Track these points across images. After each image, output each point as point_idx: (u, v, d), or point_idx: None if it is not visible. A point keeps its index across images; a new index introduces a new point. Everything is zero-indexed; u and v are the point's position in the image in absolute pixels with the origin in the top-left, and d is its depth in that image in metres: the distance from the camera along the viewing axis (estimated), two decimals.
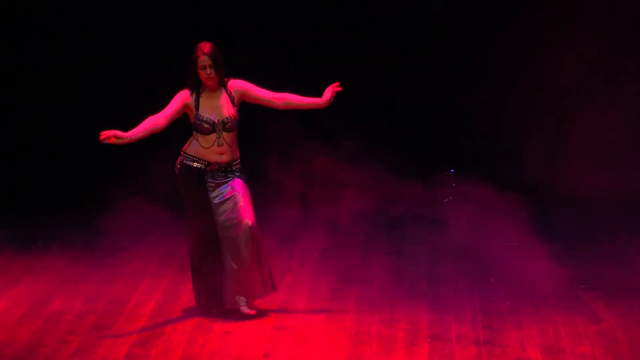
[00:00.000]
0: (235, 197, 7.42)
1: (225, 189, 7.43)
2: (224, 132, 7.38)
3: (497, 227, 9.61)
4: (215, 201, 7.43)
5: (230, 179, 7.45)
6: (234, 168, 7.47)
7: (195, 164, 7.40)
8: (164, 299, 8.06)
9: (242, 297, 7.51)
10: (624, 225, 9.61)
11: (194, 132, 7.41)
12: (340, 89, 7.45)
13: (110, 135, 7.14)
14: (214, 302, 7.54)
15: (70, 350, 7.14)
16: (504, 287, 8.22)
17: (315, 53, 10.45)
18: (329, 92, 7.44)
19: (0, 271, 8.68)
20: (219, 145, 7.38)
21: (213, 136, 7.37)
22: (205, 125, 7.34)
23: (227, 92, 7.42)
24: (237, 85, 7.44)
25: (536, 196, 9.94)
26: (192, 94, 7.37)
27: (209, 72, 7.28)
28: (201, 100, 7.36)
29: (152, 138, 9.83)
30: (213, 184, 7.43)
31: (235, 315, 7.57)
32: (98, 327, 7.51)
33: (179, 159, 7.46)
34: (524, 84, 10.37)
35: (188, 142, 7.45)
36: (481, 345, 7.16)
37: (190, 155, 7.42)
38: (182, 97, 7.37)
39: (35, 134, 10.63)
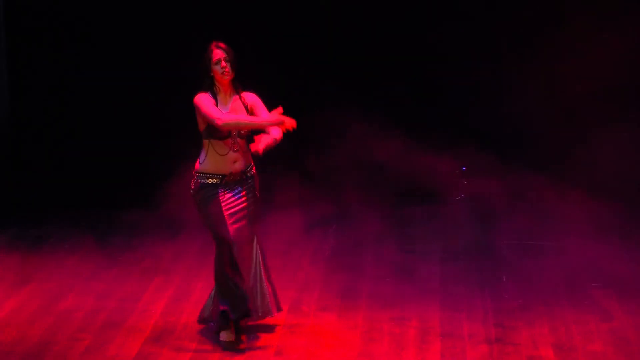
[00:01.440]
0: (245, 210, 7.22)
1: (236, 201, 7.21)
2: (238, 138, 7.17)
3: (509, 225, 9.60)
4: (226, 212, 7.18)
5: (242, 190, 7.23)
6: (248, 175, 7.27)
7: (210, 180, 7.18)
8: (175, 296, 8.07)
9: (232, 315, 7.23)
10: (636, 223, 9.59)
11: (207, 142, 7.16)
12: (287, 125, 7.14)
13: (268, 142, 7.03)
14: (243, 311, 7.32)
15: (82, 347, 7.15)
16: (516, 285, 8.21)
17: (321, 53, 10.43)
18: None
19: (12, 269, 8.70)
20: (234, 152, 7.15)
21: (229, 141, 7.14)
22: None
23: (240, 99, 7.21)
24: (250, 98, 7.23)
25: (548, 194, 9.93)
26: (213, 97, 7.13)
27: (223, 65, 7.08)
28: (219, 104, 7.15)
29: (167, 142, 9.91)
30: (225, 195, 7.19)
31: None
32: (109, 325, 7.52)
33: (193, 180, 7.24)
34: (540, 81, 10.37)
35: (198, 161, 7.23)
36: (493, 343, 7.15)
37: (203, 173, 7.20)
38: (212, 99, 7.11)
39: (47, 131, 10.64)
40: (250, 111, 7.22)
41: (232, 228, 7.15)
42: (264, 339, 7.26)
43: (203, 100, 7.10)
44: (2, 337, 7.32)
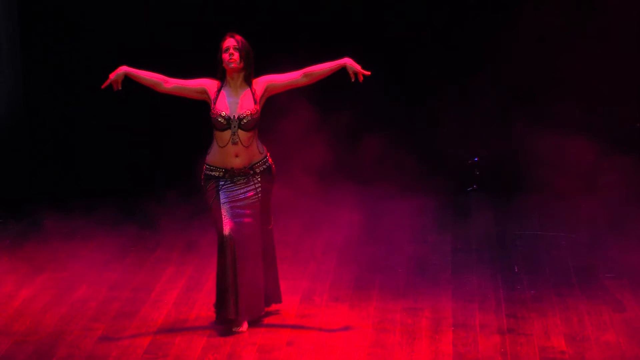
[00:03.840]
0: (247, 206, 7.19)
1: (238, 196, 7.18)
2: (239, 130, 7.13)
3: (521, 216, 9.58)
4: (225, 207, 7.15)
5: (247, 186, 7.19)
6: (256, 170, 7.23)
7: (214, 173, 7.20)
8: (187, 286, 8.08)
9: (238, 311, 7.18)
10: None
11: (213, 132, 7.20)
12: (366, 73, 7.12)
13: (111, 80, 7.10)
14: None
15: (95, 337, 7.17)
16: (528, 275, 8.20)
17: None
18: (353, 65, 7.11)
19: (26, 259, 8.73)
20: (233, 143, 7.12)
21: (228, 133, 7.12)
22: (220, 120, 7.11)
23: (251, 90, 7.19)
24: (262, 81, 7.20)
25: (560, 186, 9.91)
26: (217, 87, 7.16)
27: (231, 52, 7.06)
28: (221, 94, 7.16)
29: (188, 133, 9.87)
30: (227, 189, 7.17)
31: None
32: (122, 315, 7.54)
33: (203, 170, 7.27)
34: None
35: (208, 151, 7.26)
36: (505, 334, 7.14)
37: (208, 165, 7.22)
38: (204, 82, 7.18)
39: (60, 122, 10.65)
40: (260, 98, 7.18)
41: (228, 223, 7.13)
42: (276, 329, 7.26)
43: (198, 78, 7.18)
44: (16, 327, 7.35)
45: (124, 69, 7.14)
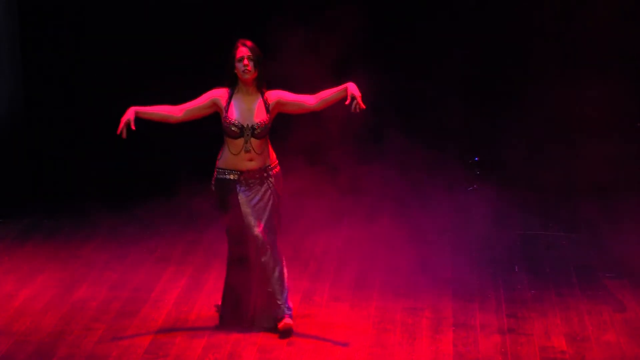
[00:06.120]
0: (264, 210, 7.21)
1: (254, 199, 7.19)
2: (252, 138, 7.15)
3: (521, 216, 9.58)
4: (244, 210, 7.17)
5: (262, 190, 7.21)
6: (269, 173, 7.25)
7: (229, 176, 7.20)
8: (188, 286, 8.08)
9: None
10: None
11: (225, 139, 7.21)
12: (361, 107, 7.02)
13: (125, 123, 7.10)
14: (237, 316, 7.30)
15: (96, 337, 7.17)
16: (528, 275, 8.21)
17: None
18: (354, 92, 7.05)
19: (27, 258, 8.73)
20: (246, 152, 7.15)
21: (241, 141, 7.14)
22: (233, 129, 7.13)
23: (263, 99, 7.19)
24: (274, 95, 7.20)
25: (560, 185, 9.91)
26: (228, 94, 7.17)
27: (245, 63, 7.07)
28: (233, 102, 7.16)
29: (188, 133, 9.87)
30: (245, 192, 7.18)
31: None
32: (123, 314, 7.54)
33: (214, 174, 7.27)
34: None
35: (219, 154, 7.25)
36: (505, 334, 7.15)
37: (222, 169, 7.22)
38: (211, 94, 7.18)
39: (60, 122, 10.65)
40: (272, 110, 7.18)
41: (250, 227, 7.14)
42: (277, 329, 7.26)
43: (203, 94, 7.17)
44: (17, 327, 7.35)
45: (133, 110, 7.13)
